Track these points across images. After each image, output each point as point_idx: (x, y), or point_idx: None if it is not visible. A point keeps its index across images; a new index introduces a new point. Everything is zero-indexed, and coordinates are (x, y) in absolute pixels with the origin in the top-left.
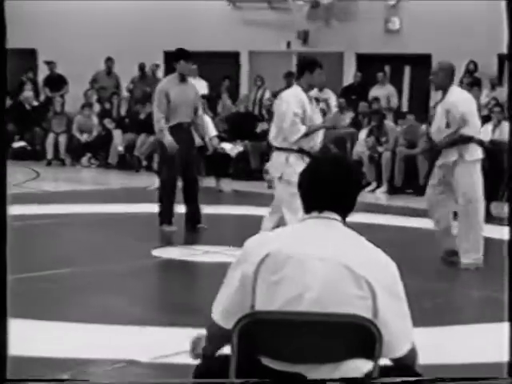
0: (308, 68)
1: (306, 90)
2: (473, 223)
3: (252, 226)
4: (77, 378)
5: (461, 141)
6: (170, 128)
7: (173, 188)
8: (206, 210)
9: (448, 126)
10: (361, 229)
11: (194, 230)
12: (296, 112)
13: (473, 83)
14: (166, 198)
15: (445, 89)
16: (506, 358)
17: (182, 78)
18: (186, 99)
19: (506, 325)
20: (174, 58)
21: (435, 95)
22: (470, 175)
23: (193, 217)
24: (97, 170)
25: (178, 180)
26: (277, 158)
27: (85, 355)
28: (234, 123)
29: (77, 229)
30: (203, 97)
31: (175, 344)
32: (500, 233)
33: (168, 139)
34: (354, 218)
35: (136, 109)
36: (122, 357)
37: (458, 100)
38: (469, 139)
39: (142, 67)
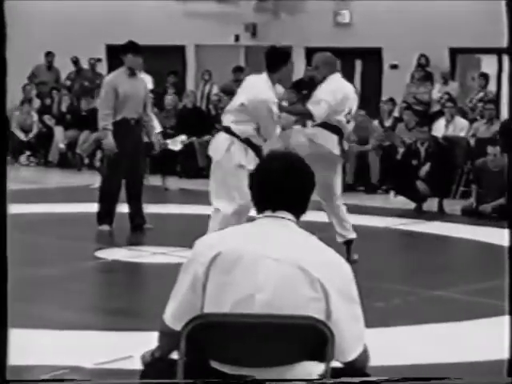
0: (285, 60)
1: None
2: None
3: (200, 225)
4: None
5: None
6: (116, 123)
7: (117, 188)
8: (152, 209)
9: None
10: (311, 228)
11: (139, 230)
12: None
13: (425, 77)
14: (108, 198)
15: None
16: (456, 359)
17: (132, 73)
18: (136, 94)
19: (466, 323)
20: (122, 51)
21: (387, 90)
22: None
23: (136, 217)
24: (36, 169)
25: (122, 179)
26: (221, 140)
27: (25, 362)
28: (181, 119)
29: (15, 230)
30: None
31: (121, 349)
32: (453, 230)
33: (109, 140)
34: (305, 217)
35: (77, 104)
36: (65, 363)
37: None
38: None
39: (75, 61)
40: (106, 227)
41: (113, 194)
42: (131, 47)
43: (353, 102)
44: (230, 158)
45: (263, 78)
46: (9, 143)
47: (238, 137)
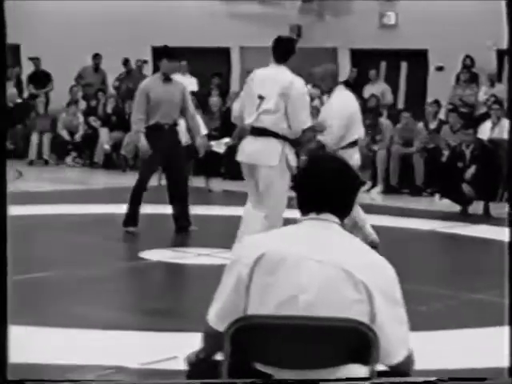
0: (294, 51)
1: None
2: None
3: None
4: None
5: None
6: (149, 128)
7: (141, 190)
8: (196, 210)
9: None
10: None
11: (183, 232)
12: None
13: (470, 79)
14: (133, 200)
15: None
16: (504, 363)
17: (166, 78)
18: (170, 99)
19: (506, 328)
20: (157, 57)
21: (432, 91)
22: None
23: (180, 219)
24: (81, 170)
25: (148, 183)
26: (274, 145)
27: (72, 361)
28: (225, 121)
29: (61, 230)
30: (193, 94)
31: (165, 349)
32: (499, 234)
33: (142, 143)
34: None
35: (123, 106)
36: (110, 363)
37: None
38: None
39: (126, 63)
40: (132, 229)
41: (136, 197)
42: (166, 52)
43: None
44: (285, 161)
45: (282, 68)
46: (57, 144)
47: (286, 139)
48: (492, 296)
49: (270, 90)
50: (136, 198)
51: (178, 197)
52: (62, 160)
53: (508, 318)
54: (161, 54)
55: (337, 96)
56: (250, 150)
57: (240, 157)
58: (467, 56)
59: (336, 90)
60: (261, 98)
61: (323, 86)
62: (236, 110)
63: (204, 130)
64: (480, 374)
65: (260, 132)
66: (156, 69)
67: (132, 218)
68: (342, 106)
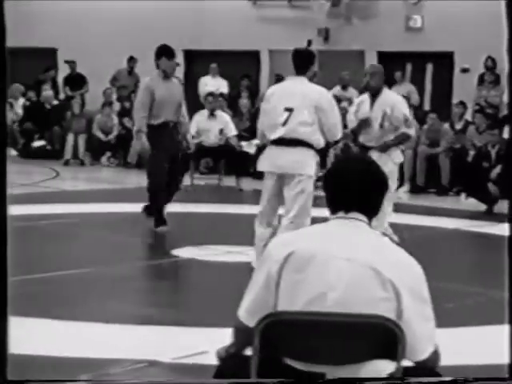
0: (312, 62)
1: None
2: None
3: None
4: (99, 379)
5: (405, 139)
6: (156, 127)
7: (162, 188)
8: (227, 209)
9: (382, 126)
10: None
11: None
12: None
13: (495, 80)
14: (158, 199)
15: (378, 90)
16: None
17: (166, 75)
18: (171, 97)
19: (506, 326)
20: (156, 55)
21: (458, 93)
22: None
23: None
24: (116, 170)
25: (163, 181)
26: (311, 156)
27: (105, 355)
28: (255, 121)
29: (96, 228)
30: (222, 95)
31: (196, 344)
32: None
33: (142, 141)
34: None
35: None
36: (143, 357)
37: (398, 101)
38: (409, 138)
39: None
40: (162, 227)
41: (162, 196)
42: (164, 51)
43: None
44: (314, 171)
45: (303, 79)
46: (93, 144)
47: (316, 149)
48: None
49: (299, 102)
50: (155, 198)
51: (170, 192)
52: (96, 160)
53: (508, 316)
54: (160, 52)
55: (390, 93)
56: (284, 160)
57: (268, 167)
58: (489, 57)
59: (385, 89)
60: (289, 110)
61: (372, 81)
62: (259, 129)
63: (234, 131)
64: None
65: (294, 143)
66: (187, 71)
67: (158, 217)
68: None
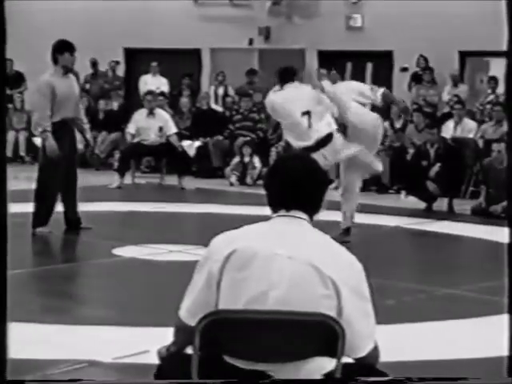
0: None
1: None
2: None
3: (215, 224)
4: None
5: None
6: (55, 124)
7: (55, 189)
8: (170, 208)
9: None
10: (325, 227)
11: (75, 229)
12: None
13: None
14: (46, 199)
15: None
16: (471, 355)
17: (66, 71)
18: (71, 93)
19: (473, 321)
20: (57, 51)
21: (397, 92)
22: None
23: (73, 216)
24: None
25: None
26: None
27: (44, 356)
28: (196, 120)
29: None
30: (163, 94)
31: (137, 344)
32: (463, 230)
33: (51, 142)
34: (319, 215)
35: (95, 106)
36: (82, 357)
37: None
38: None
39: (94, 63)
40: (43, 229)
41: (51, 196)
42: (67, 46)
43: None
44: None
45: (295, 84)
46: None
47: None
48: (462, 291)
49: (308, 103)
50: (45, 198)
51: (72, 195)
52: (36, 160)
53: (507, 313)
54: (63, 47)
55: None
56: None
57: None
58: (421, 56)
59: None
60: (306, 113)
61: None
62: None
63: (174, 129)
64: (450, 368)
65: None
66: (128, 69)
67: (42, 217)
68: None
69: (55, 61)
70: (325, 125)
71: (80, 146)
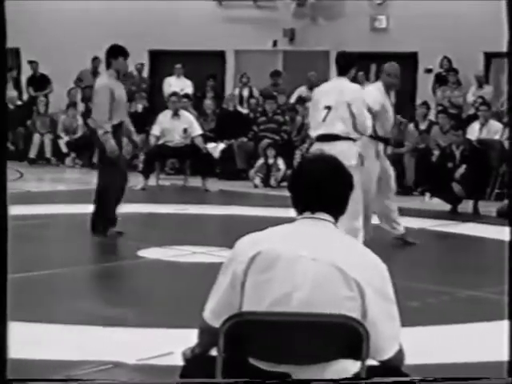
0: (354, 64)
1: None
2: None
3: (239, 225)
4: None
5: None
6: (114, 126)
7: (116, 189)
8: (193, 210)
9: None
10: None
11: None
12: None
13: (458, 81)
14: (110, 200)
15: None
16: (495, 358)
17: (118, 76)
18: (124, 97)
19: (501, 323)
20: (111, 55)
21: (422, 94)
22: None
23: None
24: (81, 171)
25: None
26: (350, 146)
27: (70, 357)
28: (221, 122)
29: (62, 229)
30: (187, 96)
31: (162, 345)
32: (488, 231)
33: (112, 144)
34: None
35: None
36: (108, 359)
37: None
38: None
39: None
40: (114, 230)
41: (114, 199)
42: (122, 51)
43: None
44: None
45: (343, 79)
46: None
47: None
48: (486, 293)
49: (336, 100)
50: (110, 200)
51: (119, 197)
52: (61, 161)
53: (508, 314)
54: (117, 52)
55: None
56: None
57: None
58: (445, 57)
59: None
60: (328, 108)
61: (397, 80)
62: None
63: (199, 131)
64: (474, 370)
65: (333, 138)
66: (152, 71)
67: (110, 219)
68: None
69: (108, 65)
70: (337, 127)
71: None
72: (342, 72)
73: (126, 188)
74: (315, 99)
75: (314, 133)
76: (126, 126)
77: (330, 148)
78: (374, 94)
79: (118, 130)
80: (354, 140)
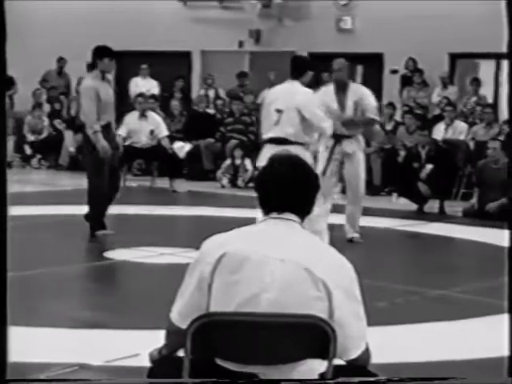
0: (309, 68)
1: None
2: None
3: (207, 226)
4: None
5: (371, 124)
6: (103, 127)
7: (104, 191)
8: (161, 211)
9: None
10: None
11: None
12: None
13: (424, 81)
14: (99, 203)
15: (345, 84)
16: (463, 356)
17: (103, 76)
18: (110, 98)
19: (467, 322)
20: (97, 55)
21: (387, 94)
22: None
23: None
24: (47, 172)
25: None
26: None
27: (34, 359)
28: (189, 123)
29: (27, 231)
30: (154, 97)
31: (128, 347)
32: (454, 231)
33: (103, 143)
34: None
35: None
36: (74, 361)
37: (367, 92)
38: (375, 122)
39: (89, 67)
40: (103, 232)
41: (103, 200)
42: (109, 52)
43: None
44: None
45: (295, 83)
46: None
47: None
48: (453, 292)
49: (287, 104)
50: (99, 201)
51: (111, 201)
52: (27, 162)
53: (508, 309)
54: (104, 53)
55: (358, 85)
56: None
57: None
58: (410, 58)
59: (351, 82)
60: (279, 111)
61: (341, 75)
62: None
63: (166, 132)
64: (442, 368)
65: (284, 141)
66: (118, 72)
67: (98, 220)
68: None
69: (94, 65)
70: (287, 131)
71: (71, 148)
72: (295, 76)
73: (118, 191)
74: (267, 102)
75: (265, 135)
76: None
77: (283, 151)
78: (320, 96)
79: (106, 131)
80: (303, 144)
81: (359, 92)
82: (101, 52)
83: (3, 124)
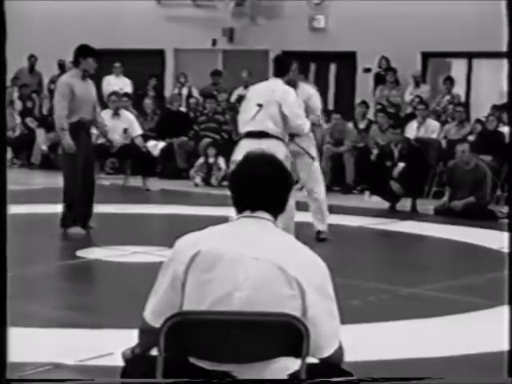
0: (290, 66)
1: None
2: None
3: (180, 225)
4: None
5: (315, 123)
6: (72, 124)
7: (77, 188)
8: (134, 209)
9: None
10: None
11: (86, 229)
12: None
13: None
14: (73, 198)
15: (295, 84)
16: (435, 354)
17: (84, 75)
18: (89, 96)
19: (443, 320)
20: (81, 54)
21: (360, 93)
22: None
23: (87, 218)
24: (19, 170)
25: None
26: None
27: (8, 359)
28: (162, 121)
29: None
30: (127, 95)
31: (102, 346)
32: (426, 229)
33: (67, 140)
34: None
35: None
36: (47, 360)
37: (314, 93)
38: (318, 121)
39: (61, 65)
40: (76, 230)
41: (77, 196)
42: (92, 52)
43: None
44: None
45: (277, 80)
46: None
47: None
48: (425, 290)
49: (267, 99)
50: (72, 198)
51: (88, 197)
52: None
53: (508, 301)
54: (88, 52)
55: (306, 86)
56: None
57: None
58: (383, 57)
59: (300, 83)
60: (259, 105)
61: (293, 76)
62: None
63: (139, 130)
64: (414, 366)
65: (262, 135)
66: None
67: (71, 218)
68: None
69: (76, 63)
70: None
71: (43, 147)
72: (278, 74)
73: (94, 188)
74: (248, 97)
75: (242, 129)
76: (98, 125)
77: (258, 145)
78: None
79: (78, 128)
80: (281, 139)
81: (307, 92)
82: (85, 52)
83: (3, 124)
